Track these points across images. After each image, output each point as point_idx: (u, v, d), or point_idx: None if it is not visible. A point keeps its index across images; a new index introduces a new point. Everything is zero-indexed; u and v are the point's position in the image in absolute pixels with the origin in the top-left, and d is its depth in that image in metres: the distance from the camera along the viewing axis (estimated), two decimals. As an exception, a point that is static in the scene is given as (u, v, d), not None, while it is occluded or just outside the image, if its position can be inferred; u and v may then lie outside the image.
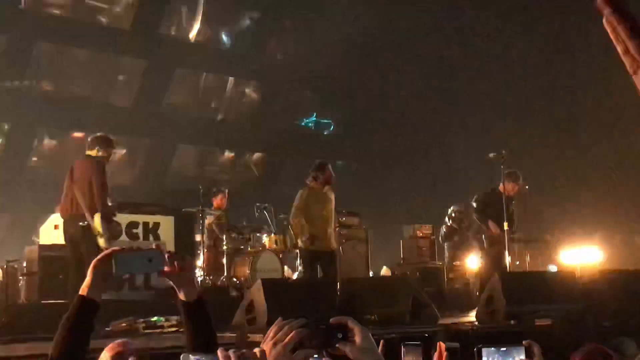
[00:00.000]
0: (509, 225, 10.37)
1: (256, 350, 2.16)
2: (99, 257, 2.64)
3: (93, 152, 8.60)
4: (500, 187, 10.68)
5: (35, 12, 14.95)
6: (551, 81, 17.18)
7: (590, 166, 16.80)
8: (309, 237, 10.09)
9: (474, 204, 11.24)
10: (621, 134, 16.24)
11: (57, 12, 15.68)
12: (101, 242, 8.28)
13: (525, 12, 17.14)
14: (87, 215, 8.28)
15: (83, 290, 2.62)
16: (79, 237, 8.40)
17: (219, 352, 2.17)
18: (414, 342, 2.93)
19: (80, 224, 8.31)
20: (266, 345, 2.20)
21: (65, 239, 8.61)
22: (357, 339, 2.13)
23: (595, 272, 11.01)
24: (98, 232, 8.24)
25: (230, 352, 2.14)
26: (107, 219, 8.38)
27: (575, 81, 17.20)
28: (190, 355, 2.18)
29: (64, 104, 15.45)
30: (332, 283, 9.49)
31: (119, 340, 3.39)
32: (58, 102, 15.40)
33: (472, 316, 9.28)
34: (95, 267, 2.64)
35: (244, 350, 2.14)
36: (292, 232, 10.74)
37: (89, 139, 8.74)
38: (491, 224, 10.57)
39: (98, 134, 8.80)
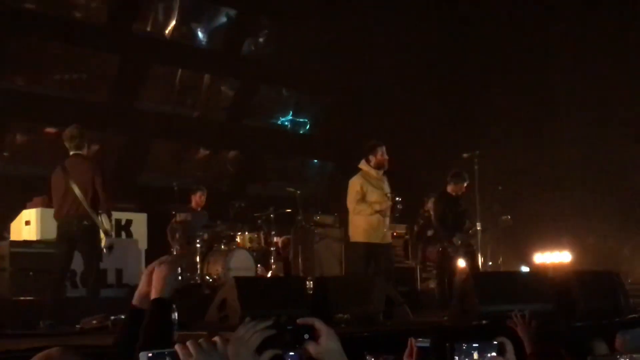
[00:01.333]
0: (461, 225, 10.46)
1: (215, 338, 2.14)
2: (167, 265, 2.96)
3: (83, 151, 8.61)
4: (449, 188, 10.79)
5: (8, 6, 14.78)
6: (523, 82, 17.28)
7: (562, 168, 16.91)
8: (365, 228, 9.57)
9: (433, 215, 11.30)
10: (591, 136, 16.37)
11: (31, 6, 15.52)
12: (104, 240, 8.39)
13: (500, 14, 17.23)
14: (91, 214, 8.31)
15: (157, 294, 2.91)
16: (81, 236, 8.42)
17: (177, 347, 2.16)
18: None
19: (85, 222, 8.33)
20: (233, 344, 2.19)
21: (62, 237, 8.56)
22: (323, 339, 2.12)
23: (567, 272, 11.11)
24: (106, 230, 8.36)
25: (188, 343, 2.13)
26: (110, 219, 8.52)
27: (547, 82, 17.32)
28: (148, 354, 2.17)
29: (37, 99, 15.30)
30: (303, 281, 9.47)
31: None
32: (31, 97, 15.25)
33: (444, 316, 9.31)
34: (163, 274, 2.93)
35: (200, 340, 2.13)
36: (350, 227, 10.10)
37: (69, 134, 8.66)
38: (455, 240, 10.60)
39: (72, 129, 8.72)
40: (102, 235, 8.39)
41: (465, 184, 10.82)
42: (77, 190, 8.24)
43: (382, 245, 9.76)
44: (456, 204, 10.77)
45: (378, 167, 9.76)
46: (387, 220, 9.80)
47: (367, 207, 9.62)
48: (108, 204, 8.45)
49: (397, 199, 9.70)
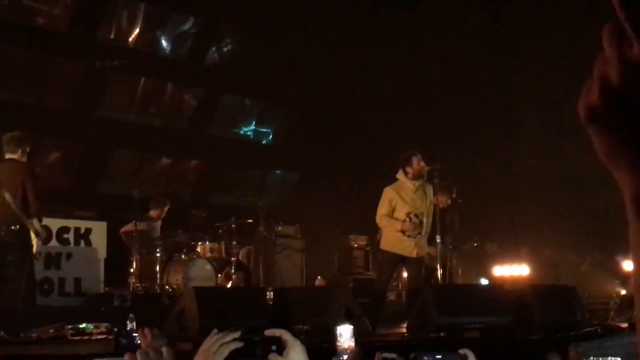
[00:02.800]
0: (442, 237, 10.52)
1: (163, 349, 2.16)
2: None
3: (16, 155, 8.52)
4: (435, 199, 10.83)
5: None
6: (482, 94, 17.47)
7: (521, 182, 17.12)
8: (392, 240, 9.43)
9: None
10: (550, 150, 16.59)
11: (-8, 11, 15.37)
12: (35, 245, 8.28)
13: (459, 25, 17.41)
14: (22, 218, 8.21)
15: None
16: (10, 241, 8.31)
17: (126, 356, 2.17)
18: None
19: (13, 227, 8.24)
20: (200, 356, 2.20)
21: None
22: (290, 351, 2.14)
23: (524, 286, 11.24)
24: (37, 231, 8.24)
25: (137, 353, 2.14)
26: (40, 223, 8.38)
27: (506, 95, 17.53)
28: None
29: (-3, 105, 15.13)
30: (263, 291, 9.46)
31: None
32: (-9, 103, 15.08)
33: (403, 328, 9.37)
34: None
35: (148, 351, 2.15)
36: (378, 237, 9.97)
37: (5, 138, 8.61)
38: (431, 249, 10.64)
39: (13, 133, 8.68)
40: (34, 241, 8.30)
41: (452, 196, 10.93)
42: (6, 195, 8.20)
43: (409, 258, 9.57)
44: (442, 216, 10.77)
45: (415, 177, 9.54)
46: (417, 237, 9.55)
47: (389, 225, 9.50)
48: (37, 207, 8.36)
49: (415, 219, 9.55)
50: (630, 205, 0.81)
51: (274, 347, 2.17)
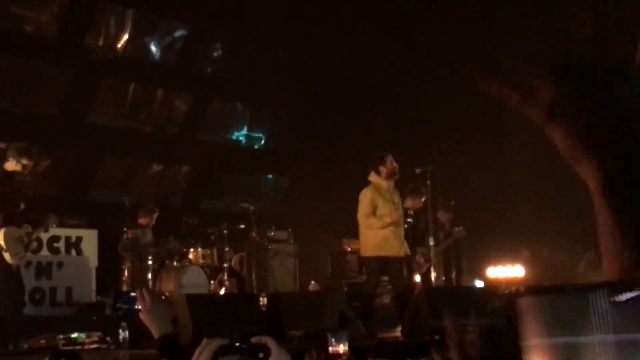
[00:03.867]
0: (420, 241, 10.50)
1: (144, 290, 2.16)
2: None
3: (8, 165, 8.50)
4: (407, 203, 10.82)
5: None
6: (476, 93, 17.43)
7: (516, 181, 17.09)
8: (377, 242, 9.40)
9: None
10: (545, 148, 16.54)
11: (-21, 19, 15.29)
12: (7, 257, 8.18)
13: (451, 29, 17.39)
14: None
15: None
16: None
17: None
18: None
19: None
20: None
21: None
22: (275, 359, 2.12)
23: (519, 288, 11.20)
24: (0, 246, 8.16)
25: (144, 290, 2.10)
26: (9, 236, 8.24)
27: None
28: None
29: (-15, 113, 15.05)
30: (256, 297, 9.42)
31: None
32: (-21, 111, 14.99)
33: (398, 331, 9.31)
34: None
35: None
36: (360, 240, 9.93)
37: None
38: (418, 257, 10.64)
39: (13, 143, 8.65)
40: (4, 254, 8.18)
41: (423, 199, 10.87)
42: None
43: (394, 258, 9.52)
44: (415, 219, 10.81)
45: (389, 176, 9.60)
46: (402, 231, 9.58)
47: (377, 221, 9.41)
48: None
49: (409, 219, 9.58)
50: (597, 196, 0.79)
51: (260, 355, 2.15)
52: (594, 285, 1.29)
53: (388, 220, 9.35)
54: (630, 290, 1.29)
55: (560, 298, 1.32)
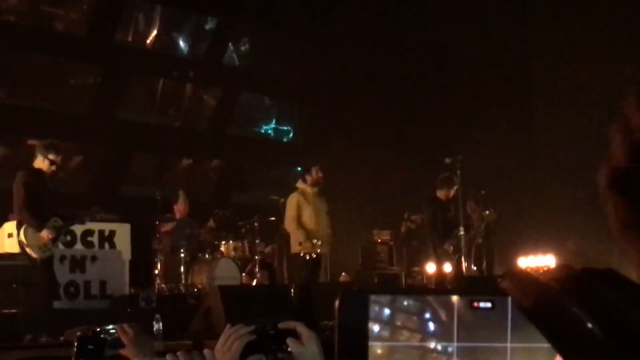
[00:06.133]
0: (451, 231, 10.57)
1: (205, 350, 2.15)
2: None
3: (36, 162, 8.64)
4: (438, 193, 10.89)
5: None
6: (504, 84, 17.35)
7: (546, 171, 16.99)
8: (301, 242, 10.35)
9: (425, 220, 11.45)
10: (573, 137, 16.45)
11: (11, 18, 15.47)
12: (29, 251, 8.29)
13: (476, 22, 17.31)
14: (16, 226, 8.37)
15: None
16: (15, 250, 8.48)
17: (168, 357, 2.16)
18: None
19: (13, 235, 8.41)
20: (217, 354, 2.20)
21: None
22: (305, 342, 2.14)
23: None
24: (21, 241, 8.29)
25: (179, 354, 2.14)
26: (29, 231, 8.35)
27: (528, 84, 17.41)
28: None
29: (18, 111, 15.23)
30: (287, 289, 9.53)
31: None
32: (12, 109, 15.18)
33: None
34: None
35: (192, 350, 2.14)
36: (291, 239, 10.90)
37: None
38: (446, 246, 10.75)
39: (41, 141, 8.79)
40: (27, 249, 8.30)
41: (454, 188, 10.89)
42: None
43: (317, 255, 10.51)
44: (446, 209, 10.85)
45: (313, 185, 10.73)
46: (324, 233, 10.62)
47: (297, 231, 10.53)
48: (20, 216, 8.43)
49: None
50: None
51: (288, 340, 2.17)
52: (454, 289, 1.29)
53: (301, 239, 10.39)
54: (492, 295, 1.30)
55: (406, 299, 1.30)
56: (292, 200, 10.60)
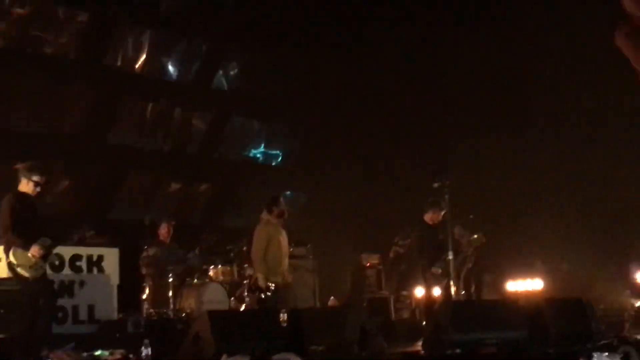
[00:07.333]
0: (440, 254, 10.57)
1: None
2: None
3: (21, 186, 8.62)
4: (426, 217, 10.91)
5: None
6: (495, 108, 17.43)
7: (534, 196, 17.05)
8: (267, 272, 10.22)
9: (412, 243, 11.47)
10: (564, 163, 16.53)
11: (0, 42, 15.48)
12: (21, 272, 8.23)
13: (470, 46, 17.42)
14: (4, 250, 8.34)
15: None
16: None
17: None
18: None
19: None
20: None
21: None
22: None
23: (539, 300, 11.18)
24: (11, 262, 8.24)
25: None
26: (18, 251, 8.29)
27: (519, 109, 17.49)
28: None
29: (8, 134, 15.21)
30: (277, 313, 9.49)
31: None
32: (2, 132, 15.16)
33: (419, 345, 9.33)
34: None
35: None
36: (254, 268, 10.74)
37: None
38: (434, 269, 10.74)
39: (23, 163, 8.76)
40: (17, 269, 8.26)
41: (442, 212, 10.90)
42: None
43: (283, 285, 10.36)
44: (434, 233, 10.85)
45: (279, 216, 10.39)
46: (286, 262, 10.53)
47: (261, 264, 10.28)
48: (5, 238, 8.39)
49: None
50: None
51: None
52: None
53: (262, 272, 10.19)
54: None
55: None
56: (262, 232, 10.36)
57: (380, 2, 17.48)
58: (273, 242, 10.30)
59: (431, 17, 17.55)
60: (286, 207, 10.63)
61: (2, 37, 15.54)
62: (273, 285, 10.20)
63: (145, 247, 12.01)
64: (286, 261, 10.53)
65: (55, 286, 10.41)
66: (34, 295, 8.31)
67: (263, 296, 10.30)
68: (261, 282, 10.25)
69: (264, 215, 10.48)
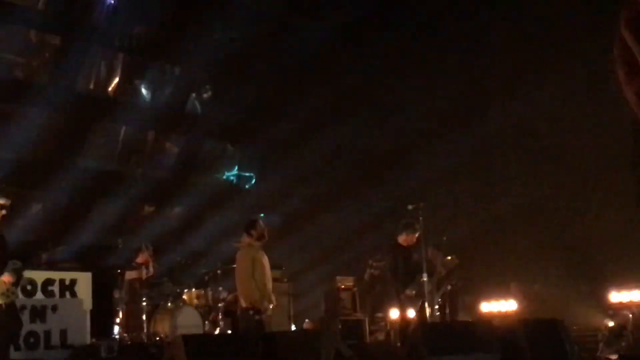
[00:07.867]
0: (413, 276, 10.57)
1: None
2: None
3: None
4: (400, 239, 10.91)
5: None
6: (466, 131, 17.55)
7: (507, 218, 17.15)
8: (256, 300, 10.04)
9: (386, 265, 11.42)
10: (535, 186, 16.67)
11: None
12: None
13: (441, 70, 17.57)
14: None
15: None
16: None
17: None
18: None
19: None
20: None
21: None
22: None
23: (513, 321, 11.22)
24: None
25: None
26: None
27: (489, 133, 17.63)
28: None
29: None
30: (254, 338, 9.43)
31: None
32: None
33: (394, 367, 9.31)
34: None
35: None
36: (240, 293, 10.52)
37: None
38: (408, 291, 10.72)
39: None
40: None
41: (417, 235, 10.89)
42: None
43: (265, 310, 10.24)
44: (409, 255, 10.83)
45: (259, 238, 10.22)
46: (270, 284, 10.33)
47: (249, 287, 10.05)
48: None
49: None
50: None
51: None
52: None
53: (256, 298, 9.94)
54: None
55: None
56: (246, 256, 10.15)
57: (337, 35, 17.59)
58: (257, 265, 10.12)
59: (392, 46, 17.72)
60: (265, 229, 10.53)
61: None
62: (263, 309, 10.10)
63: (119, 270, 11.92)
64: (270, 284, 10.44)
65: (27, 311, 10.30)
66: (7, 322, 8.21)
67: (257, 318, 10.16)
68: (248, 305, 10.13)
69: (245, 239, 10.30)
